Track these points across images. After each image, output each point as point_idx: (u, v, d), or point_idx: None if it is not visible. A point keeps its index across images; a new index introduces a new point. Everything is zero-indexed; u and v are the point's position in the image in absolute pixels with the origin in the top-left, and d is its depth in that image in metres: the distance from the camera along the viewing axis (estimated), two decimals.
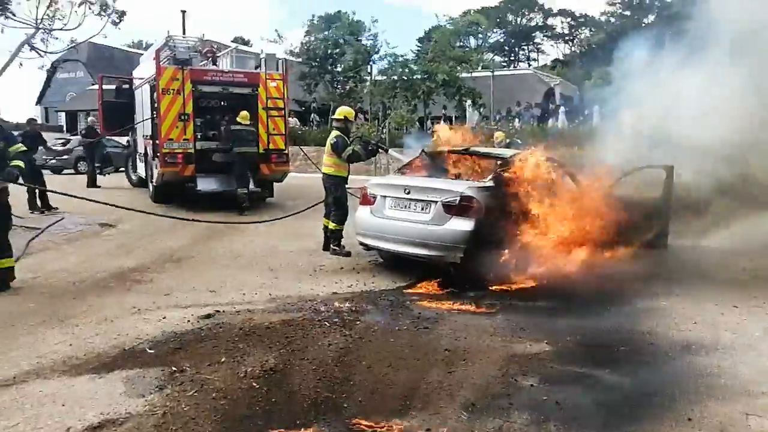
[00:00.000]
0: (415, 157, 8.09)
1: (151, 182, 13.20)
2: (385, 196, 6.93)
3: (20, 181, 6.58)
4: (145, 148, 13.60)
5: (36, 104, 48.93)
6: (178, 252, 8.26)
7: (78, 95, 42.67)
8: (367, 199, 7.16)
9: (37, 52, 9.98)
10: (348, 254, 8.10)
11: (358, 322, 5.26)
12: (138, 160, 15.53)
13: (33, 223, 9.94)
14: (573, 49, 66.58)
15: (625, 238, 7.35)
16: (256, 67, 13.07)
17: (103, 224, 10.27)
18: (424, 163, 7.80)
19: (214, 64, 13.28)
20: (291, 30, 70.70)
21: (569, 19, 68.00)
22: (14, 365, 4.24)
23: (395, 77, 25.31)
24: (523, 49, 69.85)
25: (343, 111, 8.66)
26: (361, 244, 7.30)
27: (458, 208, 6.32)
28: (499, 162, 7.06)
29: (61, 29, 10.05)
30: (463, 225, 6.29)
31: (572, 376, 4.20)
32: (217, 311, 5.52)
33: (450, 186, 6.56)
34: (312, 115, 31.10)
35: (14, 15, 9.53)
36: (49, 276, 6.84)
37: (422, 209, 6.57)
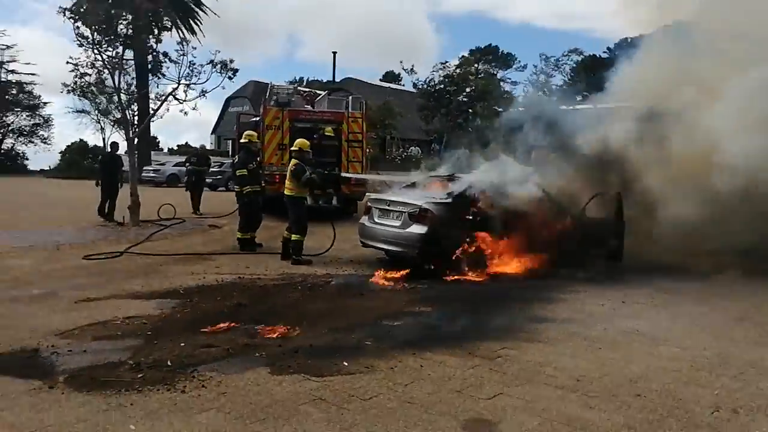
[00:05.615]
0: (419, 179, 10.29)
1: None
2: (376, 208, 9.30)
3: None
4: None
5: (211, 133, 57.40)
6: None
7: None
8: (366, 210, 9.56)
9: (178, 101, 13.94)
10: (309, 262, 9.48)
11: (320, 288, 7.71)
12: None
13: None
14: None
15: (580, 251, 8.93)
16: (346, 108, 16.04)
17: (212, 225, 13.73)
18: (422, 183, 10.01)
19: (312, 105, 16.53)
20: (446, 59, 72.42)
21: None
22: (106, 293, 7.27)
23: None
24: None
25: (298, 143, 10.17)
26: (361, 242, 9.69)
27: (417, 216, 8.51)
28: (464, 184, 9.09)
29: (195, 83, 13.87)
30: (419, 229, 8.45)
31: (423, 323, 6.23)
32: (240, 277, 8.28)
33: (415, 200, 8.74)
34: (432, 144, 33.94)
35: (164, 76, 13.65)
36: (156, 253, 10.09)
37: (396, 217, 8.85)
